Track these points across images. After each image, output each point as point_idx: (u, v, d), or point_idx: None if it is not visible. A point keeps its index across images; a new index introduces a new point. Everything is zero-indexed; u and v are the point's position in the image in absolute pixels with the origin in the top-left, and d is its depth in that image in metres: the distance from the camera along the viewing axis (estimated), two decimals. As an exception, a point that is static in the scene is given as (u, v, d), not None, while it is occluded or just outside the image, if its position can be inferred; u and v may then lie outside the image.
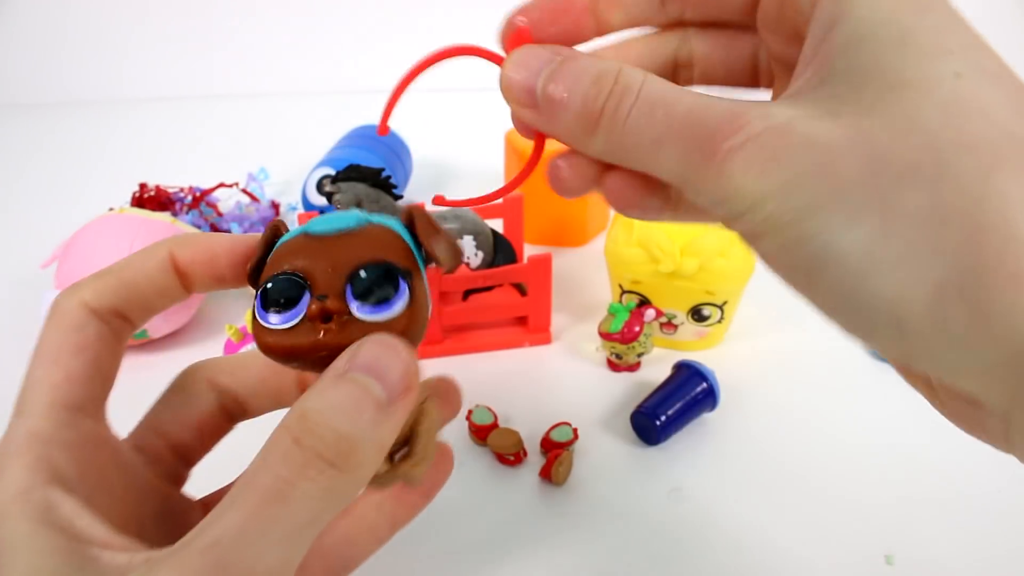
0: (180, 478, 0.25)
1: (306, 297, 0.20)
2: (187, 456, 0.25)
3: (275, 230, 0.23)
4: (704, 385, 0.44)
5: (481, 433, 0.43)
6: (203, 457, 0.26)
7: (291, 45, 1.16)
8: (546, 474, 0.41)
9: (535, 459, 0.43)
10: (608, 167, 0.21)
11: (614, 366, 0.51)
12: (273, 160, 0.84)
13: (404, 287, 0.20)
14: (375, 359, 0.18)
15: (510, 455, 0.42)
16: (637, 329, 0.48)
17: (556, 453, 0.41)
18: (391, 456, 0.22)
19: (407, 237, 0.22)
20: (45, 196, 0.83)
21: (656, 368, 0.49)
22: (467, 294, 0.52)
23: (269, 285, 0.20)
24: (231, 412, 0.26)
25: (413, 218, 0.22)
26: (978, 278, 0.14)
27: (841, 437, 0.44)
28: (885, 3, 0.17)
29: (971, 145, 0.15)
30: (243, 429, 0.27)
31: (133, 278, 0.22)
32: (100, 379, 0.21)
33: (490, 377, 0.50)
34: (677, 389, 0.44)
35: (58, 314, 0.21)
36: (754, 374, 0.50)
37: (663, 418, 0.43)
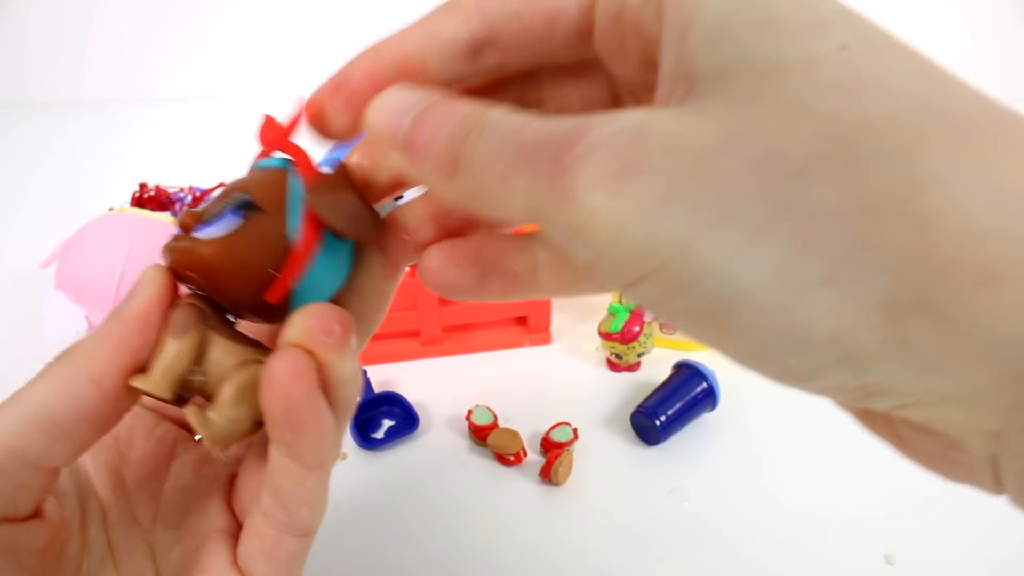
0: None
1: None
2: None
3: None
4: (704, 385, 0.44)
5: (481, 433, 0.43)
6: None
7: (291, 45, 1.16)
8: (546, 474, 0.41)
9: (535, 459, 0.43)
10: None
11: (614, 366, 0.50)
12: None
13: (234, 216, 0.20)
14: None
15: (510, 455, 0.42)
16: (637, 329, 0.48)
17: (556, 453, 0.41)
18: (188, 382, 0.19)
19: (297, 186, 0.21)
20: (45, 196, 0.83)
21: (656, 368, 0.49)
22: (467, 294, 0.52)
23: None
24: None
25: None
26: (937, 285, 0.11)
27: (842, 436, 0.44)
28: None
29: (881, 124, 0.12)
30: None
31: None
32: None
33: (490, 377, 0.50)
34: (677, 389, 0.44)
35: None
36: (755, 373, 0.50)
37: (663, 418, 0.43)
